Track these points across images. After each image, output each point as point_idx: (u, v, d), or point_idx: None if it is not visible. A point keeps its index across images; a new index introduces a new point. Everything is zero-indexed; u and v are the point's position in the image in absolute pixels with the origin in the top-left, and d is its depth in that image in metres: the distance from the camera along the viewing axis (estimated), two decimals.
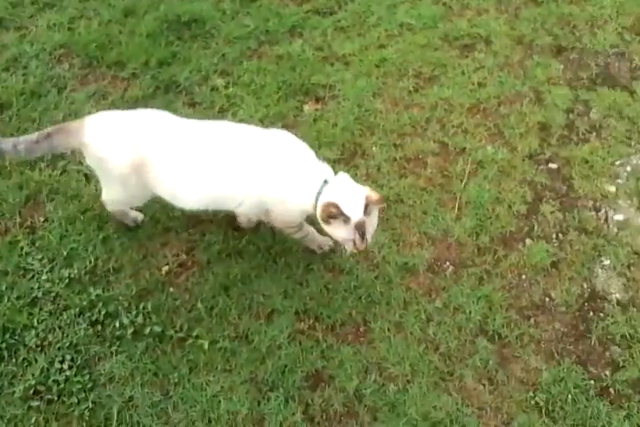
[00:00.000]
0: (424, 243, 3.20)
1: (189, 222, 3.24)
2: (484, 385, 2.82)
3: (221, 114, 3.66)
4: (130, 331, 2.91)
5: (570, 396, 2.80)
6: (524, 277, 3.14)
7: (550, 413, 2.76)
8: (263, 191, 2.65)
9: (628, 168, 3.59)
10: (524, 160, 3.55)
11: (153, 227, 3.21)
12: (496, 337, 2.95)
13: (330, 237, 2.81)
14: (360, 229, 2.51)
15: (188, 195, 2.66)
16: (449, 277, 3.10)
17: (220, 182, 2.63)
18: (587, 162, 3.57)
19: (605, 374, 2.88)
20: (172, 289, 3.07)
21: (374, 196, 2.53)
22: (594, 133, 3.70)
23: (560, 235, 3.29)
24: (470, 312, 2.99)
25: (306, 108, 3.77)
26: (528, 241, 3.26)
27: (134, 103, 3.70)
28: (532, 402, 2.78)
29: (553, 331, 2.98)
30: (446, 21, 4.21)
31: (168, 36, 4.04)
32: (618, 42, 4.09)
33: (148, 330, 2.91)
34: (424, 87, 3.87)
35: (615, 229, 3.33)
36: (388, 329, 2.94)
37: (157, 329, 2.91)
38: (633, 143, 3.67)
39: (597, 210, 3.41)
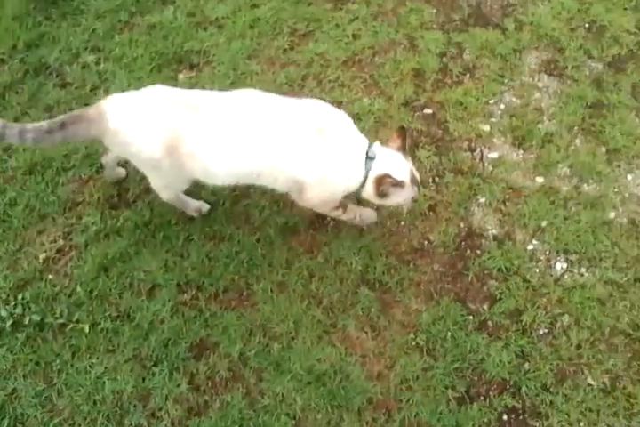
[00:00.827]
0: None
1: (65, 206, 3.07)
2: (366, 333, 2.80)
3: (93, 92, 3.44)
4: (9, 323, 2.80)
5: (449, 333, 2.79)
6: (402, 223, 3.10)
7: (431, 351, 2.76)
8: (302, 170, 2.49)
9: (502, 106, 3.54)
10: (399, 108, 3.46)
11: (28, 215, 3.06)
12: (377, 284, 2.92)
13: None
14: (415, 181, 2.54)
15: (221, 171, 2.49)
16: (330, 232, 3.04)
17: (256, 160, 2.47)
18: (461, 104, 3.50)
19: (483, 309, 2.87)
20: (50, 276, 2.94)
21: (394, 141, 2.60)
22: (467, 75, 3.63)
23: (437, 178, 3.25)
24: (351, 263, 2.95)
25: (180, 76, 3.61)
26: None
27: (3, 90, 3.45)
28: (413, 343, 2.78)
29: (432, 272, 2.95)
30: None
31: (36, 17, 3.78)
32: None
33: (27, 320, 2.80)
34: (299, 44, 3.71)
35: (490, 167, 3.30)
36: (271, 290, 2.87)
37: (36, 318, 2.80)
38: (506, 80, 3.61)
39: (472, 150, 3.36)
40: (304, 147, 2.40)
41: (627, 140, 3.35)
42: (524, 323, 2.83)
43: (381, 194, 2.46)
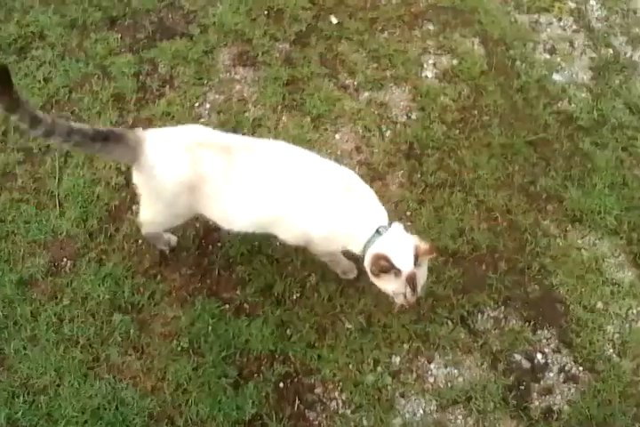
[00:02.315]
0: (36, 251, 3.09)
1: None
2: (131, 355, 2.84)
3: None
4: None
5: (210, 327, 2.89)
6: (140, 241, 3.13)
7: (197, 350, 2.86)
8: (314, 228, 2.49)
9: (207, 105, 3.72)
10: None
11: None
12: (129, 307, 2.98)
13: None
14: (411, 281, 2.34)
15: (240, 217, 2.48)
16: (70, 273, 3.03)
17: (272, 209, 2.47)
18: (168, 114, 3.64)
19: (237, 294, 3.01)
20: None
21: (423, 246, 2.36)
22: (167, 86, 3.78)
23: None
24: (99, 295, 2.98)
25: None
26: (135, 207, 3.23)
27: None
28: (179, 349, 2.86)
29: (180, 278, 3.04)
30: None
31: None
32: None
33: None
34: None
35: None
36: (24, 347, 2.83)
37: None
38: (205, 82, 3.80)
39: None
40: (319, 205, 2.44)
41: (326, 104, 3.66)
42: (276, 295, 3.00)
43: (372, 271, 2.39)
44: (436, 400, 2.74)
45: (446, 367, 2.81)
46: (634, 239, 3.16)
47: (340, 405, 2.74)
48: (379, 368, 2.79)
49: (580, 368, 2.85)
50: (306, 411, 2.73)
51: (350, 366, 2.79)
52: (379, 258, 2.33)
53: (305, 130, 3.56)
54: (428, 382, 2.79)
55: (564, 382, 2.81)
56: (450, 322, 2.92)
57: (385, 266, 2.31)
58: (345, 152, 3.47)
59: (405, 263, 2.33)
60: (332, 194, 2.43)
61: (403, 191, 3.29)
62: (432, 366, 2.84)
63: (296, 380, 2.78)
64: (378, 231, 2.41)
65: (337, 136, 3.56)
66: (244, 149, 2.43)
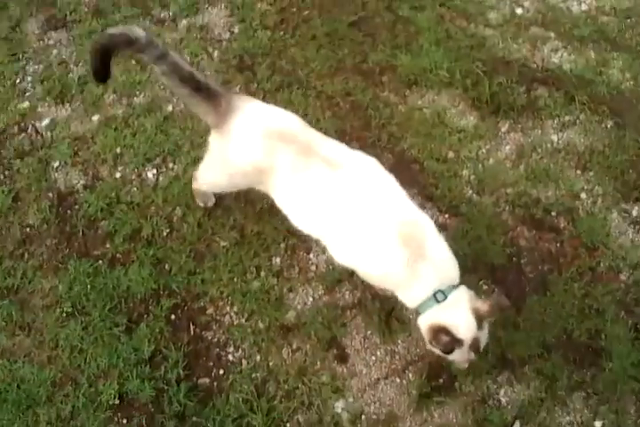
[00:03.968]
0: None
1: None
2: (18, 335, 2.73)
3: None
4: None
5: (88, 286, 2.80)
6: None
7: (81, 310, 2.74)
8: (362, 264, 2.24)
9: (29, 78, 3.55)
10: None
11: None
12: (5, 292, 2.85)
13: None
14: (474, 347, 2.09)
15: (294, 218, 2.30)
16: None
17: (327, 229, 2.25)
18: None
19: (106, 248, 2.92)
20: None
21: (483, 308, 2.08)
22: None
23: (7, 172, 3.15)
24: None
25: None
26: None
27: None
28: (64, 315, 2.75)
29: (47, 249, 2.92)
30: None
31: None
32: None
33: None
34: None
35: (49, 134, 3.25)
36: None
37: None
38: (20, 56, 3.63)
39: (24, 129, 3.30)
40: (379, 244, 2.14)
41: None
42: (146, 237, 2.90)
43: (431, 345, 2.11)
44: (322, 285, 2.70)
45: (324, 253, 2.76)
46: (468, 85, 3.11)
47: (234, 317, 2.68)
48: (262, 273, 2.74)
49: (446, 215, 2.82)
50: (202, 333, 2.66)
51: (235, 279, 2.73)
52: (438, 331, 2.05)
53: (133, 73, 3.40)
54: (310, 271, 2.75)
55: None
56: None
57: (447, 343, 2.03)
58: None
59: (467, 332, 2.08)
60: (395, 239, 2.12)
61: None
62: (311, 255, 2.79)
63: (186, 308, 2.71)
64: (435, 296, 2.11)
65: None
66: (326, 162, 2.17)
